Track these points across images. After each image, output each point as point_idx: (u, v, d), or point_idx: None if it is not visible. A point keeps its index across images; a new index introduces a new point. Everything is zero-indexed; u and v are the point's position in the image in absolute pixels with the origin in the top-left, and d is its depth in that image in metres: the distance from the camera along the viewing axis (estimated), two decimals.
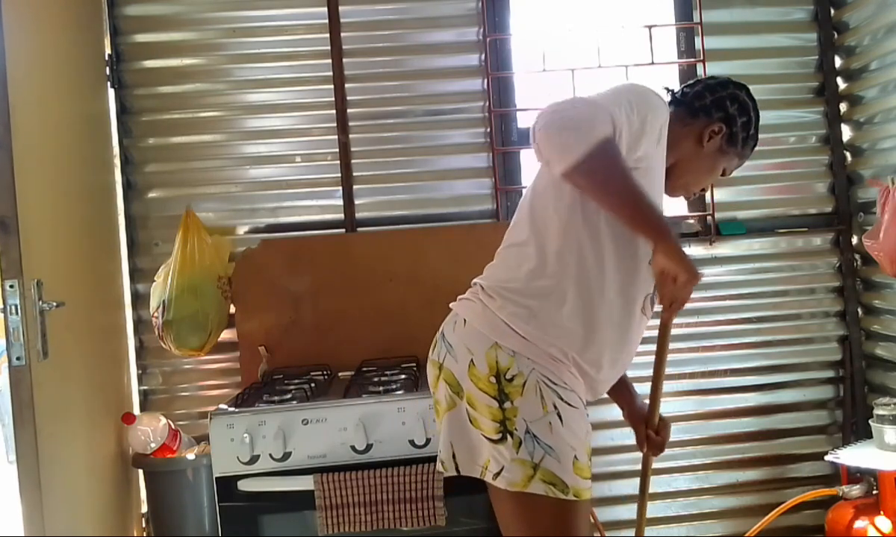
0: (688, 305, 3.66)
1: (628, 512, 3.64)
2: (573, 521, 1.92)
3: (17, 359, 2.44)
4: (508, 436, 1.90)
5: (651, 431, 2.30)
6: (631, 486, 3.64)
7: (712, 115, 2.14)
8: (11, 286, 2.42)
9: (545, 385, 1.91)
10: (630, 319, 2.03)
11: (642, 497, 2.41)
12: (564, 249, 1.94)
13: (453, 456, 2.00)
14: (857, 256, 3.79)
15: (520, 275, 1.97)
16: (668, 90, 2.20)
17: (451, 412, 1.99)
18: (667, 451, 3.65)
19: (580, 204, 1.93)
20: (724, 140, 2.14)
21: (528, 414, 1.89)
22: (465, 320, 2.01)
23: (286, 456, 2.74)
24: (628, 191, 1.82)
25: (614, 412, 3.64)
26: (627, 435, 3.72)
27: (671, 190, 2.17)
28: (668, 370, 3.62)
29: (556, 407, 1.90)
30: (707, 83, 2.20)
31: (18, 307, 2.42)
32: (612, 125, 1.81)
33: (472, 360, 1.94)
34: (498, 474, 1.92)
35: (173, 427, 3.30)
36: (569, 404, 1.92)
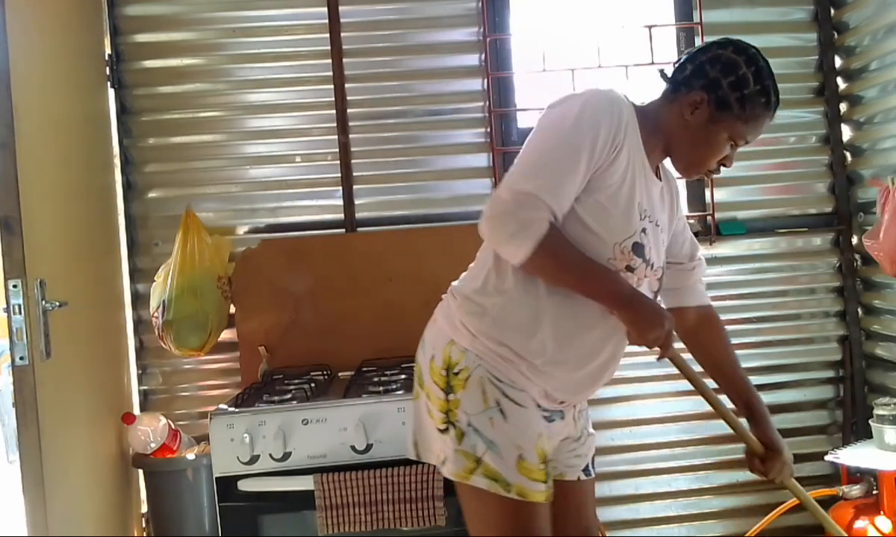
0: None
1: (628, 512, 3.69)
2: (525, 523, 1.93)
3: (21, 358, 2.44)
4: (451, 427, 1.96)
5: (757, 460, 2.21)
6: (631, 486, 3.68)
7: (692, 85, 1.96)
8: (15, 286, 2.43)
9: (489, 381, 1.94)
10: (591, 320, 1.96)
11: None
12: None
13: (416, 444, 2.11)
14: (857, 256, 3.79)
15: (479, 277, 2.01)
16: (661, 73, 2.06)
17: (415, 402, 2.10)
18: (666, 451, 3.72)
19: None
20: (712, 108, 1.94)
21: (468, 407, 1.95)
22: (435, 319, 2.10)
23: (286, 456, 2.74)
24: (576, 276, 1.90)
25: (615, 412, 3.71)
26: (627, 436, 3.77)
27: (682, 172, 2.09)
28: (669, 370, 3.63)
29: (498, 404, 1.93)
30: (690, 52, 2.03)
31: (22, 307, 2.43)
32: (547, 212, 1.83)
33: (433, 355, 2.03)
34: (444, 463, 1.99)
35: (173, 427, 3.30)
36: (515, 402, 1.94)
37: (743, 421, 2.21)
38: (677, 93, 1.99)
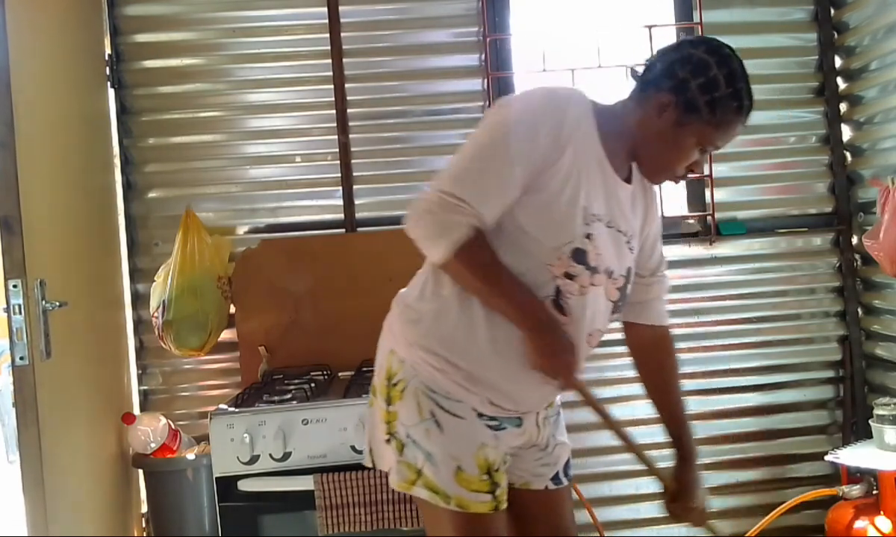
0: (687, 305, 3.73)
1: (629, 512, 3.69)
2: (474, 534, 1.91)
3: (21, 358, 2.44)
4: (392, 438, 1.95)
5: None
6: (631, 486, 3.67)
7: (661, 85, 1.85)
8: (15, 286, 2.43)
9: (423, 393, 1.92)
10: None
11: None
12: None
13: (371, 451, 2.07)
14: (857, 256, 3.79)
15: (419, 284, 1.99)
16: (631, 71, 1.95)
17: (370, 409, 2.05)
18: (667, 451, 3.68)
19: None
20: (680, 111, 1.83)
21: (405, 418, 1.93)
22: (384, 327, 2.08)
23: (286, 456, 2.74)
24: (490, 287, 1.85)
25: (615, 412, 3.63)
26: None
27: (648, 176, 1.98)
28: None
29: (433, 415, 1.90)
30: (662, 49, 1.93)
31: (22, 307, 2.43)
32: (470, 218, 1.79)
33: (380, 364, 2.02)
34: (390, 473, 1.99)
35: (173, 427, 3.30)
36: (451, 414, 1.90)
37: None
38: (645, 93, 1.89)
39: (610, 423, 2.04)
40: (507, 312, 1.85)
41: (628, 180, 1.97)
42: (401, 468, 1.94)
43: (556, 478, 2.13)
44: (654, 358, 2.19)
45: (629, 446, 2.06)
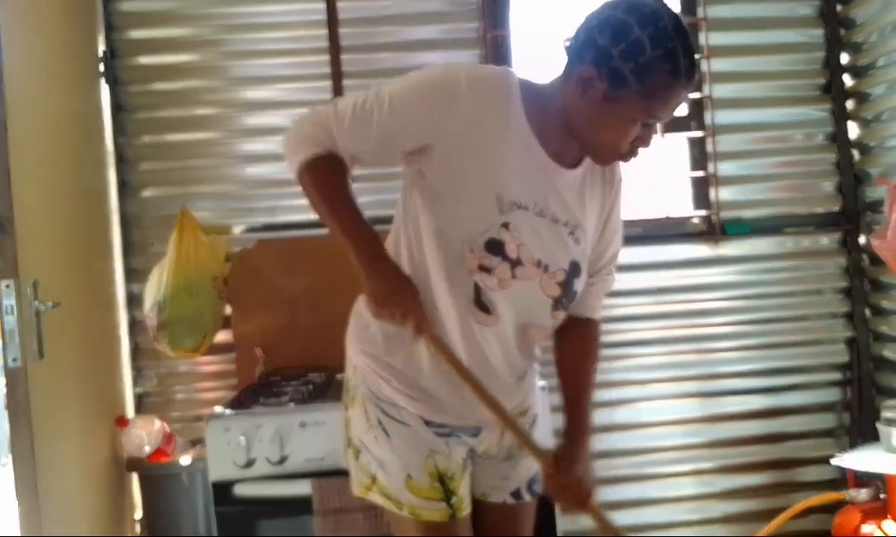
0: (691, 306, 3.72)
1: (634, 517, 3.68)
2: None
3: (13, 360, 2.42)
4: (350, 444, 1.97)
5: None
6: (636, 491, 3.66)
7: (583, 57, 1.67)
8: (7, 286, 2.40)
9: (370, 400, 1.91)
10: (460, 335, 1.82)
11: None
12: None
13: (344, 452, 2.05)
14: (864, 256, 3.78)
15: None
16: (564, 45, 1.77)
17: (343, 413, 2.04)
18: (671, 455, 3.70)
19: (402, 229, 1.90)
20: (605, 84, 1.64)
21: (357, 425, 1.94)
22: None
23: (283, 459, 2.73)
24: (327, 207, 1.83)
25: (619, 416, 3.68)
26: (631, 440, 3.75)
27: (593, 159, 1.81)
28: (673, 373, 3.69)
29: (380, 423, 1.89)
30: (587, 15, 1.72)
31: (14, 307, 2.40)
32: (332, 142, 1.78)
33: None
34: (350, 477, 2.00)
35: (168, 430, 3.29)
36: (397, 421, 1.89)
37: None
38: (571, 68, 1.71)
39: (468, 380, 1.83)
40: (342, 240, 1.82)
41: (576, 165, 1.83)
42: (358, 473, 1.95)
43: (516, 493, 2.05)
44: (574, 340, 1.99)
45: (493, 407, 1.84)
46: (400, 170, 3.50)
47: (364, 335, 1.94)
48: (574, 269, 1.84)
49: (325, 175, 1.79)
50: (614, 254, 1.99)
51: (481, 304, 1.78)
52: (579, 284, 1.87)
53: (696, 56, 1.68)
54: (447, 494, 1.88)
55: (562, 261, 1.82)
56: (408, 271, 1.82)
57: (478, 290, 1.77)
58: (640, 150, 1.76)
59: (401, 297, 1.73)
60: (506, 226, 1.74)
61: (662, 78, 1.62)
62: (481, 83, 1.75)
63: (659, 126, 1.80)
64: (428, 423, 1.88)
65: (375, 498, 1.91)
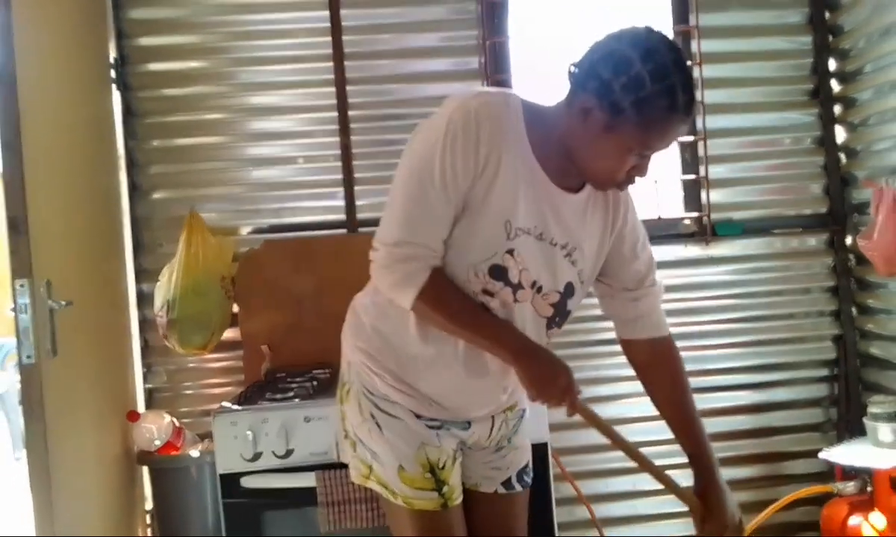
0: (682, 305, 3.74)
1: (626, 508, 3.71)
2: (427, 529, 1.92)
3: (28, 357, 2.45)
4: (347, 436, 2.01)
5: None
6: (629, 483, 3.67)
7: (585, 88, 1.69)
8: (22, 285, 2.43)
9: (364, 395, 1.96)
10: (463, 347, 1.86)
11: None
12: None
13: (337, 445, 2.11)
14: (851, 256, 3.81)
15: (367, 291, 2.02)
16: (569, 71, 1.79)
17: (338, 407, 2.08)
18: (661, 449, 3.66)
19: None
20: (606, 115, 1.66)
21: (351, 419, 1.99)
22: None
23: (289, 453, 2.76)
24: (462, 327, 1.80)
25: (610, 410, 3.66)
26: (623, 433, 3.70)
27: (592, 184, 1.85)
28: None
29: (373, 417, 1.94)
30: (591, 45, 1.75)
31: (28, 306, 2.44)
32: (424, 258, 1.76)
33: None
34: (349, 468, 2.04)
35: (177, 424, 3.32)
36: (389, 415, 1.93)
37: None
38: (574, 97, 1.74)
39: (620, 444, 1.96)
40: (487, 348, 1.82)
41: (578, 189, 1.86)
42: (355, 463, 2.00)
43: (507, 484, 2.09)
44: (658, 371, 2.05)
45: (644, 465, 1.99)
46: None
47: (360, 332, 1.98)
48: (568, 291, 1.88)
49: (442, 297, 1.78)
50: (649, 266, 2.00)
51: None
52: (573, 304, 1.92)
53: (695, 91, 1.71)
54: (438, 484, 1.92)
55: (557, 283, 1.86)
56: None
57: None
58: (637, 179, 1.80)
59: (558, 381, 1.77)
60: (510, 252, 1.78)
61: (661, 112, 1.65)
62: (489, 114, 1.75)
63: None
64: (419, 416, 1.93)
65: (374, 485, 1.96)
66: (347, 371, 2.02)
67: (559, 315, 1.90)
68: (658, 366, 2.05)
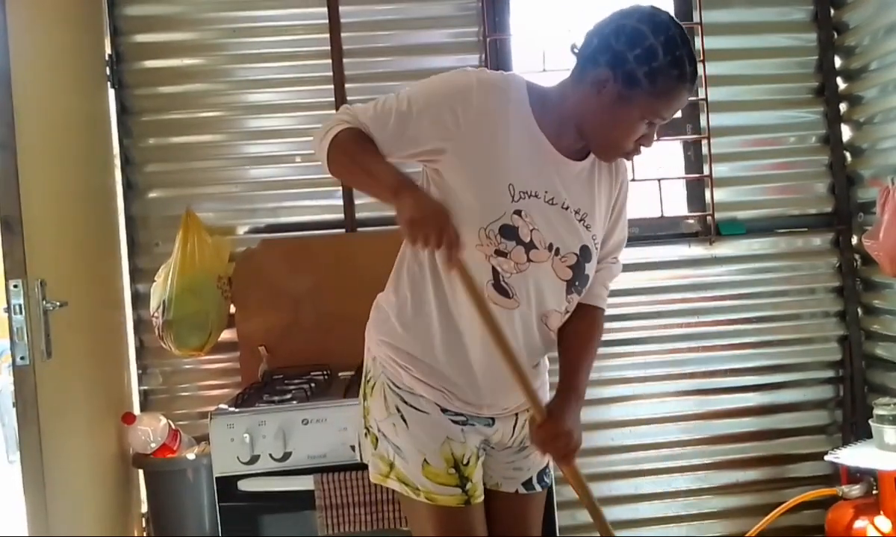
0: (687, 305, 3.73)
1: (628, 512, 3.70)
2: (448, 526, 1.92)
3: (21, 358, 2.45)
4: (368, 432, 2.02)
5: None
6: (631, 486, 3.68)
7: (598, 61, 1.78)
8: (15, 286, 2.44)
9: (389, 388, 1.97)
10: (476, 327, 1.85)
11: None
12: (404, 261, 2.00)
13: (359, 444, 2.10)
14: (856, 256, 3.80)
15: (389, 284, 2.04)
16: (572, 49, 1.88)
17: (361, 405, 2.09)
18: (666, 451, 3.73)
19: None
20: (620, 85, 1.76)
21: (376, 413, 1.99)
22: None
23: (286, 456, 2.75)
24: (356, 168, 1.88)
25: (614, 412, 3.72)
26: (626, 436, 3.77)
27: (599, 155, 1.93)
28: (669, 370, 3.71)
29: (398, 410, 1.95)
30: (598, 23, 1.84)
31: (22, 306, 2.44)
32: (351, 123, 1.88)
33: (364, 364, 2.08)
34: (368, 466, 2.04)
35: (173, 427, 3.31)
36: (415, 408, 1.95)
37: None
38: (583, 71, 1.83)
39: (490, 327, 1.82)
40: (370, 186, 1.89)
41: (581, 158, 1.93)
42: (375, 461, 2.00)
43: (528, 484, 2.11)
44: (574, 321, 2.01)
45: (507, 357, 1.83)
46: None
47: (384, 326, 2.00)
48: (585, 254, 1.93)
49: (353, 141, 1.86)
50: (618, 243, 2.06)
51: (500, 288, 1.86)
52: (591, 268, 1.96)
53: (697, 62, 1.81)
54: (462, 480, 1.93)
55: (573, 245, 1.91)
56: (407, 275, 1.96)
57: (496, 274, 1.85)
58: (643, 149, 1.88)
59: (435, 218, 1.75)
60: (518, 212, 1.83)
61: (671, 81, 1.76)
62: (491, 84, 1.87)
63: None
64: (444, 411, 1.95)
65: (393, 484, 1.96)
66: (372, 365, 2.03)
67: (578, 279, 1.93)
68: (578, 320, 2.01)
